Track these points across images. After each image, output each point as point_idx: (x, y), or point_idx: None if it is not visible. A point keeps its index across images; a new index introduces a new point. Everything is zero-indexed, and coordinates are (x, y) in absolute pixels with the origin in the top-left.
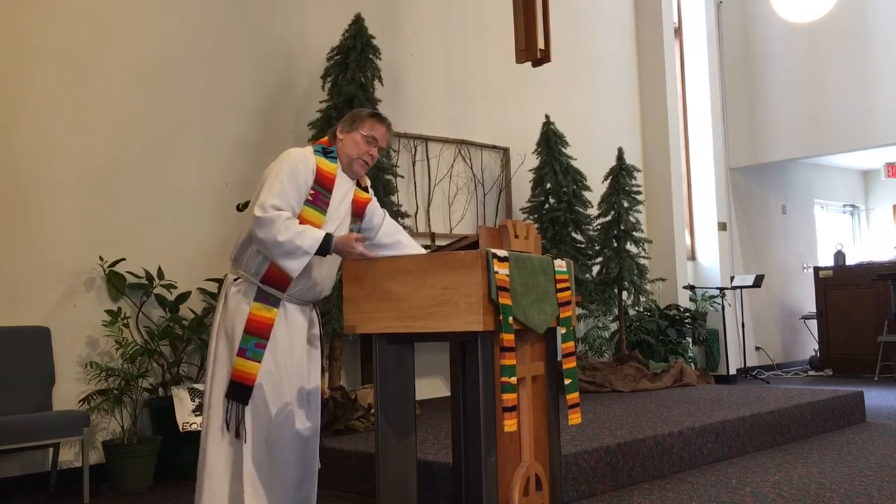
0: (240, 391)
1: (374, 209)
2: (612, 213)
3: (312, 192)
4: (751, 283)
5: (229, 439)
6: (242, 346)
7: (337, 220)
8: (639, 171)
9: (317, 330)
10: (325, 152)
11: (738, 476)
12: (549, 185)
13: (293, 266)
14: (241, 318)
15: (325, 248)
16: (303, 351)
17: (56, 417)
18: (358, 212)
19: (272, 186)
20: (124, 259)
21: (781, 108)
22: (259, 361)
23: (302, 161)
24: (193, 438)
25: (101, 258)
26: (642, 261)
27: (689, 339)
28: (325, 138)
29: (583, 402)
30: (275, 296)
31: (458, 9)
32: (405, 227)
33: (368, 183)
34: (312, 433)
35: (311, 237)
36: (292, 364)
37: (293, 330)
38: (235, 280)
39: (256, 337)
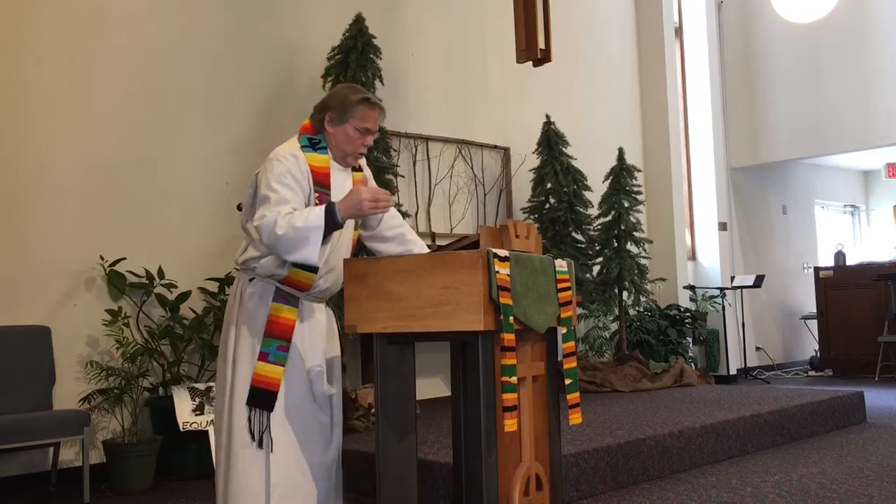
0: (263, 397)
1: None
2: (613, 213)
3: (317, 195)
4: (751, 284)
5: (258, 448)
6: (264, 350)
7: None
8: (639, 171)
9: (335, 327)
10: (313, 143)
11: (739, 476)
12: (549, 185)
13: (309, 253)
14: (260, 319)
15: (332, 216)
16: (323, 351)
17: (56, 417)
18: None
19: (268, 199)
20: (125, 258)
21: (782, 108)
22: (283, 365)
23: (292, 163)
24: (194, 438)
25: (101, 257)
26: (643, 261)
27: (690, 340)
28: (307, 123)
29: (583, 402)
30: (294, 295)
31: (458, 8)
32: None
33: (363, 161)
34: (336, 434)
35: (314, 213)
36: (315, 366)
37: (315, 329)
38: (251, 280)
39: (278, 339)
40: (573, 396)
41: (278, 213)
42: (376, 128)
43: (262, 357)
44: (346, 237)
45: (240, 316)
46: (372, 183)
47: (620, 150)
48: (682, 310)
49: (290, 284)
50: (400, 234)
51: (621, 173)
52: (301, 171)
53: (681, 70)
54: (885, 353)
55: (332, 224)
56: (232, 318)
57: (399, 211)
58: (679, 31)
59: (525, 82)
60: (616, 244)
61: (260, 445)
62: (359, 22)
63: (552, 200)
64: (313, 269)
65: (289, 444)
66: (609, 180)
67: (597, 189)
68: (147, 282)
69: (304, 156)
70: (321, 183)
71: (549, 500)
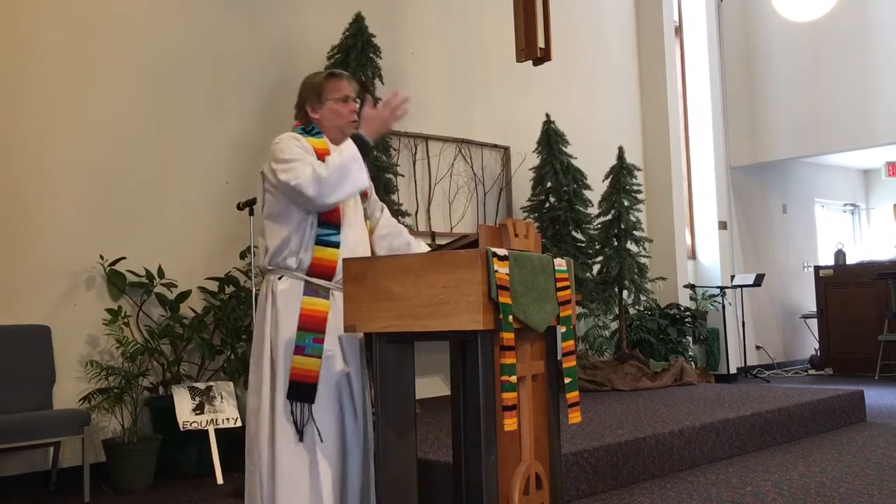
0: (303, 390)
1: (375, 198)
2: (613, 211)
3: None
4: (751, 282)
5: (303, 442)
6: (299, 344)
7: (351, 198)
8: (639, 169)
9: None
10: (307, 131)
11: (739, 475)
12: (549, 184)
13: (356, 179)
14: (293, 314)
15: (362, 140)
16: (358, 340)
17: (56, 416)
18: (363, 192)
19: (289, 161)
20: (125, 258)
21: (782, 107)
22: (319, 357)
23: (294, 141)
24: (194, 437)
25: (101, 257)
26: (643, 260)
27: (690, 338)
28: (296, 122)
29: (583, 401)
30: (323, 286)
31: (458, 8)
32: (406, 226)
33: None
34: (370, 429)
35: (347, 147)
36: (349, 356)
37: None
38: (280, 278)
39: (312, 332)
40: (573, 395)
41: (311, 166)
42: (354, 94)
43: (299, 351)
44: (362, 220)
45: (274, 314)
46: (373, 192)
47: (620, 149)
48: (682, 309)
49: (316, 271)
50: (399, 231)
51: (621, 172)
52: (304, 146)
53: (681, 69)
54: (885, 351)
55: (364, 148)
56: (266, 318)
57: (399, 210)
58: (679, 30)
59: (525, 81)
60: (616, 243)
61: (301, 438)
62: (359, 21)
63: (552, 199)
64: (334, 245)
65: (332, 436)
66: (609, 179)
67: (597, 188)
68: (147, 281)
69: (304, 138)
70: (323, 160)
71: (549, 499)
